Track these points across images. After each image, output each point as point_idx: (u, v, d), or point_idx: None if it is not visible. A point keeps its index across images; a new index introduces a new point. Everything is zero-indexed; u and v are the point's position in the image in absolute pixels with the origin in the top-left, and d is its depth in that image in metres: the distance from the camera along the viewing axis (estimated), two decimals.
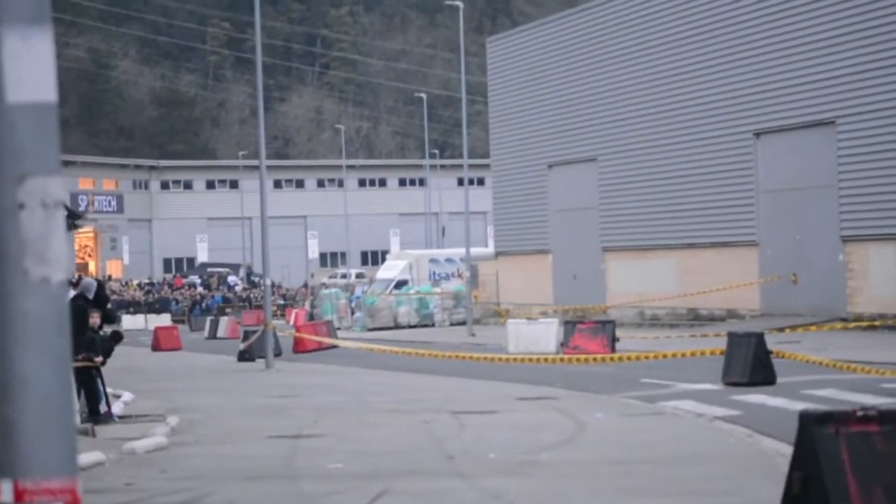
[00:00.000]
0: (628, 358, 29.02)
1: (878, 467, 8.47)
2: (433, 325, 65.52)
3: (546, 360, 31.27)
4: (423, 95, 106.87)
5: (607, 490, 13.59)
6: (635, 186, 56.80)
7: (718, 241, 52.27)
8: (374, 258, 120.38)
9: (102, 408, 22.67)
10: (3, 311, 3.79)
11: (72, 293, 22.73)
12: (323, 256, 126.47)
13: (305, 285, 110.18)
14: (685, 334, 43.19)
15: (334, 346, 43.48)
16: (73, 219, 30.70)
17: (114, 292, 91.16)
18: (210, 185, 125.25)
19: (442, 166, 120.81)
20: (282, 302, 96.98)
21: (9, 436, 3.79)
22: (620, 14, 58.12)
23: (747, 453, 15.99)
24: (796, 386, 24.51)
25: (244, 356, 41.38)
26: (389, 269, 75.53)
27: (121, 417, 22.68)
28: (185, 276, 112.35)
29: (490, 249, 72.74)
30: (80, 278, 25.71)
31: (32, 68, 3.86)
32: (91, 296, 23.02)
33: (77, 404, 20.88)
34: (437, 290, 70.08)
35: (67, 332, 3.91)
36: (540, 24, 67.42)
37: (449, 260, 74.99)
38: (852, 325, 40.61)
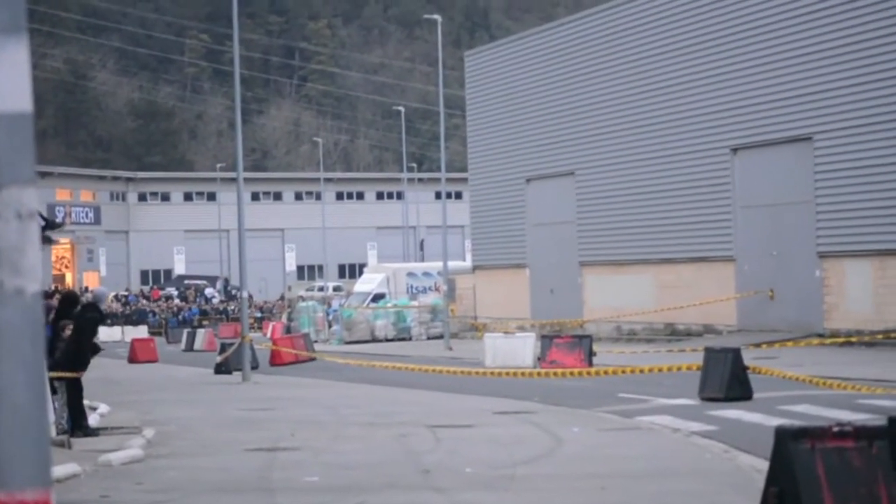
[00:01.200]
0: (605, 372, 29.04)
1: (854, 483, 8.47)
2: (410, 339, 65.46)
3: (523, 374, 31.28)
4: (401, 109, 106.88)
5: None
6: (613, 201, 56.85)
7: (696, 257, 52.32)
8: (352, 271, 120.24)
9: (91, 422, 22.59)
10: None
11: (49, 303, 22.63)
12: (300, 269, 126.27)
13: (282, 298, 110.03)
14: (662, 349, 43.18)
15: (311, 359, 43.46)
16: (51, 228, 30.47)
17: None
18: (187, 197, 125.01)
19: (420, 180, 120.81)
20: (259, 315, 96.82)
21: None
22: (598, 29, 58.21)
23: (723, 468, 16.00)
24: (773, 401, 24.53)
25: (221, 369, 41.28)
26: (367, 283, 75.48)
27: (96, 429, 22.57)
28: (163, 289, 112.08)
29: (467, 263, 72.70)
30: (66, 289, 25.60)
31: (7, 78, 3.83)
32: (103, 306, 22.89)
33: (53, 415, 20.78)
34: (415, 303, 70.03)
35: (41, 342, 3.88)
36: (518, 38, 67.48)
37: (426, 273, 74.94)
38: (829, 340, 40.67)
